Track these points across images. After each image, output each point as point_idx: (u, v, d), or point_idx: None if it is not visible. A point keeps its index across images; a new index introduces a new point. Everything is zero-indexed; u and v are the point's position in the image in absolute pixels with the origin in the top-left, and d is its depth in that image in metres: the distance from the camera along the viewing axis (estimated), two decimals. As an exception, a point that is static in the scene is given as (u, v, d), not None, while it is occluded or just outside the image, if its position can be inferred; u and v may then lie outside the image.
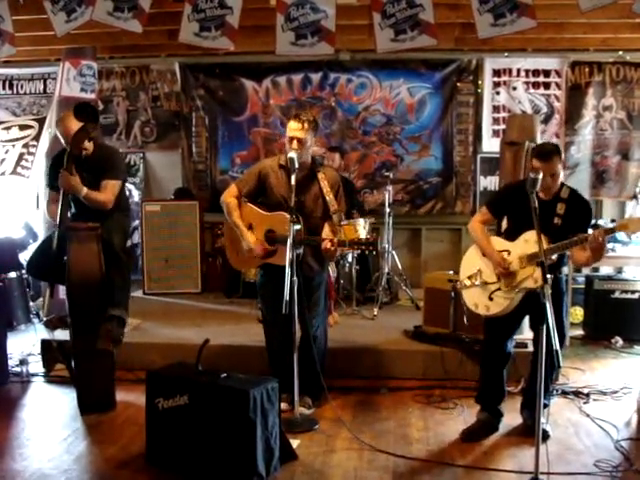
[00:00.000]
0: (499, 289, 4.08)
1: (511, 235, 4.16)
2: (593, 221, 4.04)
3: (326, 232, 4.49)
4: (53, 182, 4.88)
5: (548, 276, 3.84)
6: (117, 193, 4.85)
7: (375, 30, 5.87)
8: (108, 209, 4.80)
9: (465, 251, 4.48)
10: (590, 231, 3.84)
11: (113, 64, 8.42)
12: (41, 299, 7.22)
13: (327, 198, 4.46)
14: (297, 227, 4.20)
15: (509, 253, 4.07)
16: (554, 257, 3.89)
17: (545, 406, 3.82)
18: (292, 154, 4.28)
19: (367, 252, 4.28)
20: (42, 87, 8.52)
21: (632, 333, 6.31)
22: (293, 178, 4.24)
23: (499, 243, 4.19)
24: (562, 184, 4.10)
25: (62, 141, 4.86)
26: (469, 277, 4.30)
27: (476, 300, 4.23)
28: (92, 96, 7.07)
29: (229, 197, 4.60)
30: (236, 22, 5.93)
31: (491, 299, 4.11)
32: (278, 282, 4.14)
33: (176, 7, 6.24)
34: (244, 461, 3.46)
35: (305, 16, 5.90)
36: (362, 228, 6.31)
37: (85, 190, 4.63)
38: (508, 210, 4.32)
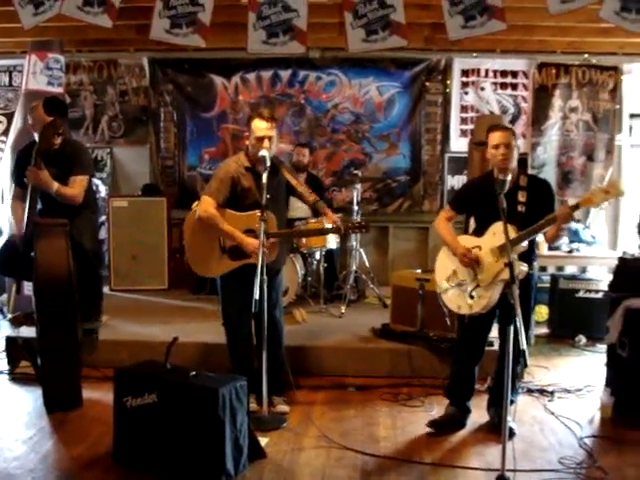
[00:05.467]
0: (478, 286, 4.05)
1: (479, 233, 4.19)
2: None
3: (328, 218, 4.60)
4: (19, 178, 4.81)
5: (524, 267, 3.91)
6: (86, 188, 4.83)
7: (347, 30, 5.84)
8: (77, 204, 4.77)
9: (432, 250, 4.52)
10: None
11: (81, 58, 8.32)
12: (6, 295, 7.12)
13: (299, 190, 4.48)
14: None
15: (480, 248, 4.08)
16: (525, 244, 3.93)
17: (511, 402, 3.87)
18: (264, 152, 4.27)
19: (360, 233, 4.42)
20: (7, 80, 8.37)
21: (595, 332, 6.38)
22: (264, 177, 4.20)
23: (469, 240, 4.21)
24: (519, 172, 4.15)
25: (33, 130, 4.79)
26: (446, 280, 4.27)
27: (458, 302, 4.17)
28: (59, 90, 7.00)
29: (210, 208, 4.41)
30: (208, 19, 5.87)
31: (472, 297, 4.06)
32: (244, 281, 4.14)
33: (145, 2, 6.16)
34: (213, 460, 3.46)
35: (277, 15, 5.83)
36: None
37: (56, 185, 4.60)
38: (472, 206, 4.36)
